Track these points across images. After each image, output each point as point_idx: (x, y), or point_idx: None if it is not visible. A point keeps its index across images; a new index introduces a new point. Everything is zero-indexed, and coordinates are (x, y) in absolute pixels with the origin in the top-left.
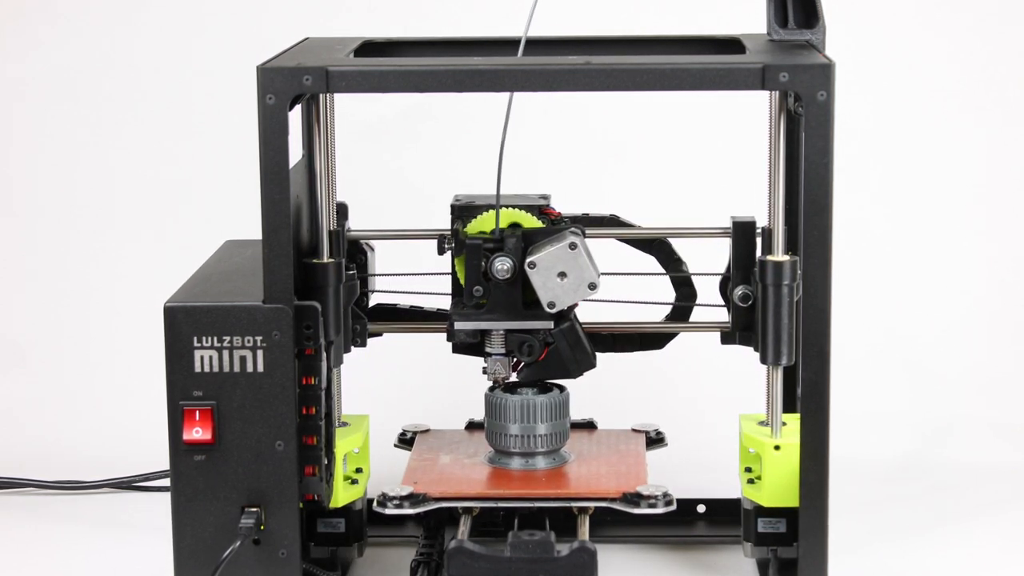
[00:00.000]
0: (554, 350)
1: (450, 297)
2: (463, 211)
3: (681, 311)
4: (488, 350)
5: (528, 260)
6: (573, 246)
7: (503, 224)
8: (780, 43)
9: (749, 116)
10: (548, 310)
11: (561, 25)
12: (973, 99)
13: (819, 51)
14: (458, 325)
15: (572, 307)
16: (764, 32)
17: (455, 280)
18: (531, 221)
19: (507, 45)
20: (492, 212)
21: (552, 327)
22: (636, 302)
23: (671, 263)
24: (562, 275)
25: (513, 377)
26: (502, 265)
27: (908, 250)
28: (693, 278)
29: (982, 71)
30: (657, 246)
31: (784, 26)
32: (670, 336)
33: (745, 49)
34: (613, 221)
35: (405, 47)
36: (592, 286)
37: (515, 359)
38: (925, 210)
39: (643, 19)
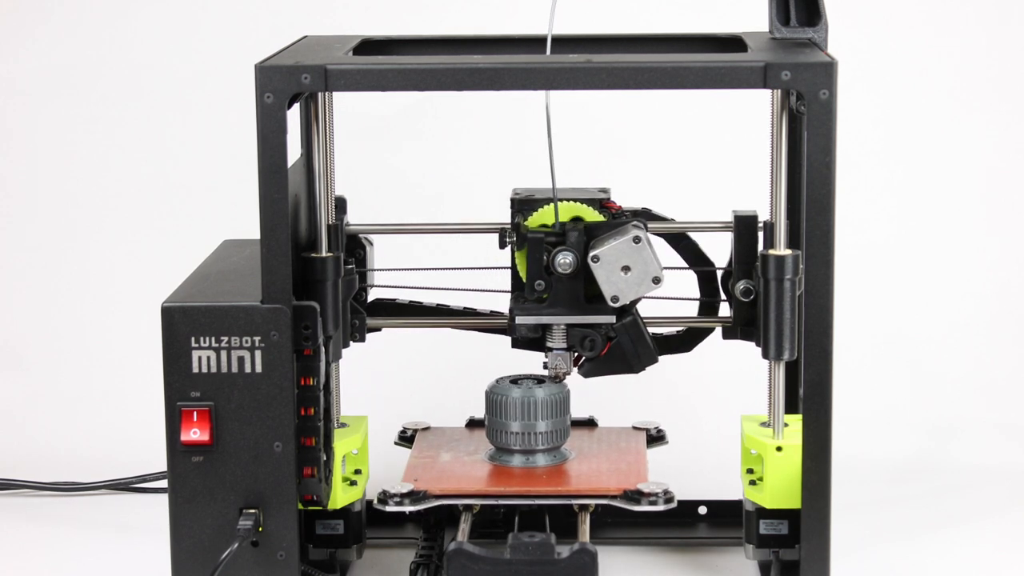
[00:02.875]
0: (616, 345)
1: (451, 290)
2: (523, 204)
3: (706, 310)
4: (549, 345)
5: (591, 254)
6: (637, 240)
7: (564, 218)
8: (782, 41)
9: (752, 110)
10: (611, 304)
11: (562, 23)
12: (976, 98)
13: (821, 49)
14: (519, 320)
15: (635, 302)
16: (766, 30)
17: (515, 274)
18: (593, 215)
19: (507, 43)
20: (552, 205)
21: (615, 322)
22: (665, 298)
23: (698, 263)
24: (626, 269)
25: (574, 372)
26: (564, 259)
27: (911, 250)
28: (696, 276)
29: (986, 70)
30: (684, 244)
31: (786, 24)
32: (671, 346)
33: (747, 47)
34: (671, 221)
35: (404, 45)
36: (656, 280)
37: (576, 354)
38: (928, 209)
39: (644, 17)
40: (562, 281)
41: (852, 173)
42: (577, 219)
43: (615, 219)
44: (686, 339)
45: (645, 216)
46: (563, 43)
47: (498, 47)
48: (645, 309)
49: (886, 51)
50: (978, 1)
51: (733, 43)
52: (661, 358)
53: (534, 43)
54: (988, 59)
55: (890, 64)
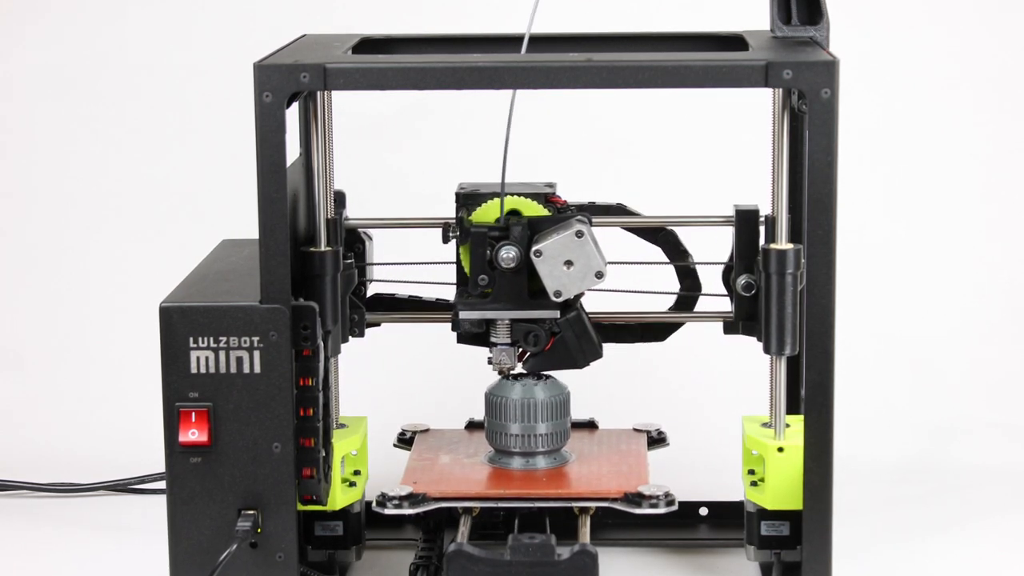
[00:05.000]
0: (560, 340)
1: (451, 286)
2: (468, 199)
3: (685, 303)
4: (493, 340)
5: (534, 248)
6: (580, 234)
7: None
8: (783, 40)
9: (755, 105)
10: (554, 299)
11: (563, 22)
12: (979, 97)
13: (823, 48)
14: (463, 314)
15: (579, 296)
16: (767, 29)
17: (460, 269)
18: (537, 209)
19: (506, 42)
20: (497, 200)
21: (558, 317)
22: (638, 291)
23: (677, 255)
24: (568, 264)
25: (519, 368)
26: (507, 254)
27: (913, 249)
28: (698, 269)
29: (988, 68)
30: (663, 237)
31: (788, 23)
32: (672, 328)
33: (748, 46)
34: (619, 210)
35: (403, 44)
36: (599, 275)
37: (521, 349)
38: (930, 209)
39: (645, 16)
40: (505, 276)
41: (854, 172)
42: (515, 212)
43: (560, 214)
44: (660, 329)
45: (590, 210)
46: (564, 42)
47: (498, 46)
48: (635, 302)
49: (888, 50)
50: (980, 0)
51: (734, 42)
52: (656, 354)
53: (536, 42)
54: (990, 58)
55: (892, 63)
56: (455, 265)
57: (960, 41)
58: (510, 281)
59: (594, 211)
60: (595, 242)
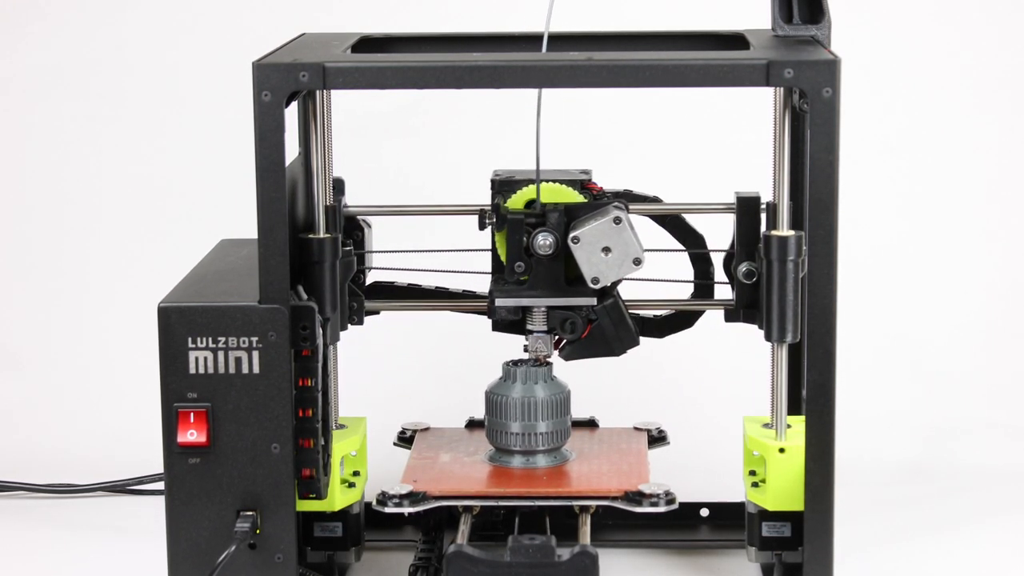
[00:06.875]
0: (597, 327)
1: (452, 274)
2: (503, 186)
3: (699, 294)
4: (529, 327)
5: (572, 235)
6: (618, 220)
7: (544, 199)
8: (785, 39)
9: (758, 97)
10: (592, 286)
11: (564, 21)
12: (982, 96)
13: (824, 47)
14: (499, 302)
15: (616, 283)
16: (768, 27)
17: (495, 256)
18: (573, 196)
19: (506, 41)
20: (534, 186)
21: (595, 304)
22: (642, 280)
23: (699, 261)
24: (606, 250)
25: (555, 355)
26: (544, 240)
27: (915, 249)
28: (715, 277)
29: (991, 67)
30: (691, 239)
31: (789, 21)
32: (671, 327)
33: (749, 45)
34: (655, 202)
35: (403, 43)
36: (637, 261)
37: (557, 337)
38: (932, 209)
39: (646, 15)
40: (542, 263)
41: (855, 172)
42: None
43: (596, 200)
44: (658, 326)
45: (627, 197)
46: (564, 40)
47: (497, 44)
48: (642, 292)
49: (889, 48)
50: None
51: (735, 40)
52: (656, 354)
53: (534, 40)
54: (992, 57)
55: (894, 61)
56: (491, 252)
57: (962, 39)
58: (547, 268)
59: (630, 199)
60: (633, 229)
